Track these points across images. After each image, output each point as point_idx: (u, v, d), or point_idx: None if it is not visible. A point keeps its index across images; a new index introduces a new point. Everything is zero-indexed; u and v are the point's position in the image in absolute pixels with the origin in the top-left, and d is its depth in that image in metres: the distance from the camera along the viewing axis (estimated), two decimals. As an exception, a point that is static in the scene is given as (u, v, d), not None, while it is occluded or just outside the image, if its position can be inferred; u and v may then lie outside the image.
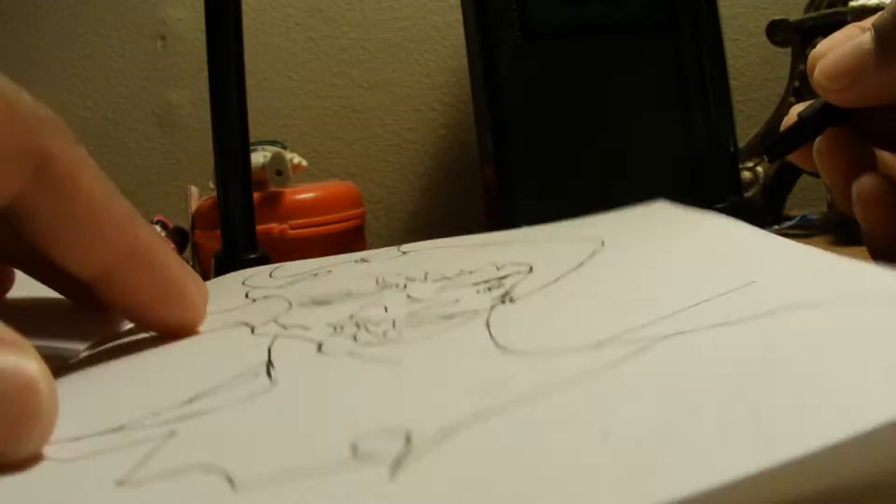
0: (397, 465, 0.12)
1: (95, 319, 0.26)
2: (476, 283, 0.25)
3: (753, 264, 0.20)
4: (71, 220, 0.20)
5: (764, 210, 0.52)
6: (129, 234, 0.21)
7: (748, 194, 0.52)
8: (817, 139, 0.28)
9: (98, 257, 0.21)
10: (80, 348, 0.24)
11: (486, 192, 0.50)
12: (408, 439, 0.13)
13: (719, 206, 0.42)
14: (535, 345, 0.17)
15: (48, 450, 0.15)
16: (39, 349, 0.22)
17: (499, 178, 0.46)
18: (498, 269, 0.26)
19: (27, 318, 0.27)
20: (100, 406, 0.18)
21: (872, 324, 0.14)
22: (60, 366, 0.22)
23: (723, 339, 0.15)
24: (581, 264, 0.24)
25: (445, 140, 0.71)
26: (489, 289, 0.24)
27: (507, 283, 0.24)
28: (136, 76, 0.71)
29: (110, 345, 0.24)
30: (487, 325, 0.19)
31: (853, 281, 0.17)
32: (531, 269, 0.25)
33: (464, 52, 0.51)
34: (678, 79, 0.44)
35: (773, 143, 0.30)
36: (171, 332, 0.23)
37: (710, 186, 0.42)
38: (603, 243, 0.27)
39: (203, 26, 0.42)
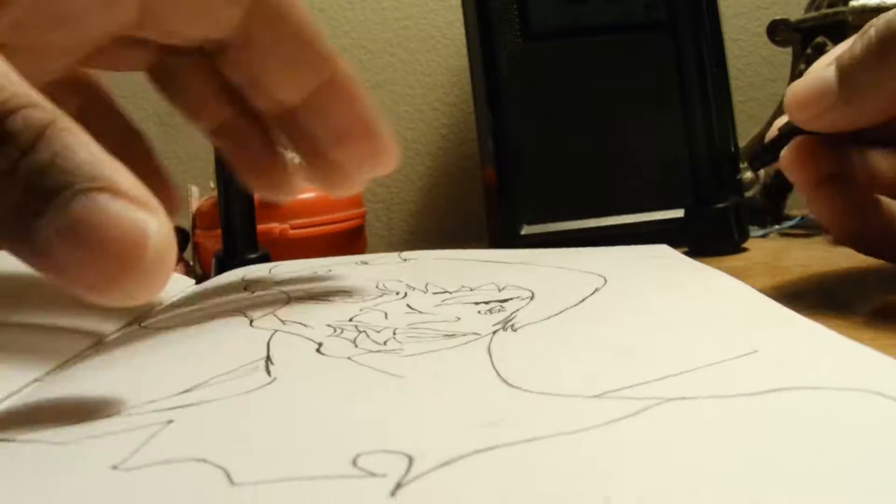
0: (398, 485, 0.12)
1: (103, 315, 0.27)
2: (477, 303, 0.25)
3: (756, 332, 0.20)
4: (283, 46, 0.23)
5: (764, 210, 0.52)
6: (332, 64, 0.24)
7: (748, 194, 0.52)
8: (783, 150, 0.29)
9: (304, 82, 0.24)
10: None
11: (486, 192, 0.50)
12: (409, 463, 0.13)
13: (720, 206, 0.42)
14: (538, 384, 0.17)
15: (43, 433, 0.15)
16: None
17: (499, 178, 0.46)
18: (499, 289, 0.27)
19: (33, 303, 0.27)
20: (96, 398, 0.18)
21: (870, 415, 0.14)
22: (62, 367, 0.22)
23: (724, 411, 0.15)
24: (583, 300, 0.24)
25: (446, 140, 0.71)
26: (490, 311, 0.24)
27: (509, 307, 0.24)
28: (137, 76, 0.71)
29: (109, 337, 0.24)
30: (489, 353, 0.19)
31: (853, 365, 0.17)
32: (533, 295, 0.26)
33: (464, 51, 0.51)
34: (678, 79, 0.43)
35: (755, 154, 0.32)
36: (363, 169, 0.25)
37: (710, 186, 0.42)
38: (605, 280, 0.27)
39: (203, 26, 0.42)
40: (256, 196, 0.46)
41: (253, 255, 0.44)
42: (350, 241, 0.55)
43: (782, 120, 0.30)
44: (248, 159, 0.29)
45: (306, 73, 0.24)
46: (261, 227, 0.47)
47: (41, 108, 0.16)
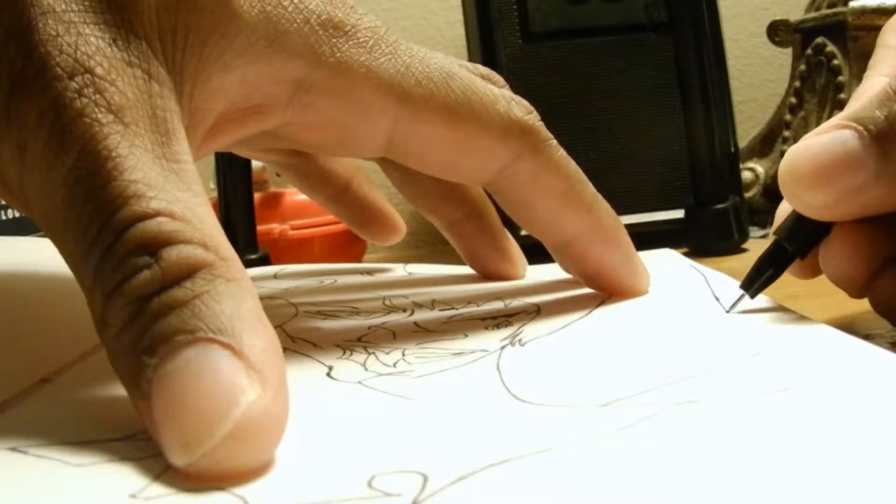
0: (415, 502, 0.12)
1: None
2: (484, 318, 0.25)
3: (760, 334, 0.20)
4: (537, 208, 0.25)
5: (764, 210, 0.52)
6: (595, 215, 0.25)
7: (748, 194, 0.52)
8: (823, 245, 0.22)
9: (566, 229, 0.25)
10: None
11: (486, 192, 0.50)
12: (424, 481, 0.13)
13: (720, 206, 0.42)
14: (547, 397, 0.17)
15: (57, 450, 0.15)
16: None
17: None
18: (505, 304, 0.27)
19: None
20: (109, 411, 0.18)
21: (876, 410, 0.14)
22: (70, 365, 0.22)
23: (733, 413, 0.15)
24: (589, 312, 0.25)
25: (446, 140, 0.71)
26: (497, 326, 0.24)
27: (515, 321, 0.24)
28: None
29: None
30: (498, 370, 0.20)
31: (857, 362, 0.17)
32: (539, 309, 0.26)
33: (465, 52, 0.51)
34: (678, 79, 0.44)
35: (750, 279, 0.23)
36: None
37: (710, 186, 0.42)
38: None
39: (204, 27, 0.42)
40: (257, 196, 0.47)
41: (253, 256, 0.44)
42: (350, 243, 0.55)
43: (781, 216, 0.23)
44: (473, 253, 0.31)
45: (565, 224, 0.26)
46: (261, 227, 0.47)
47: (204, 249, 0.15)
